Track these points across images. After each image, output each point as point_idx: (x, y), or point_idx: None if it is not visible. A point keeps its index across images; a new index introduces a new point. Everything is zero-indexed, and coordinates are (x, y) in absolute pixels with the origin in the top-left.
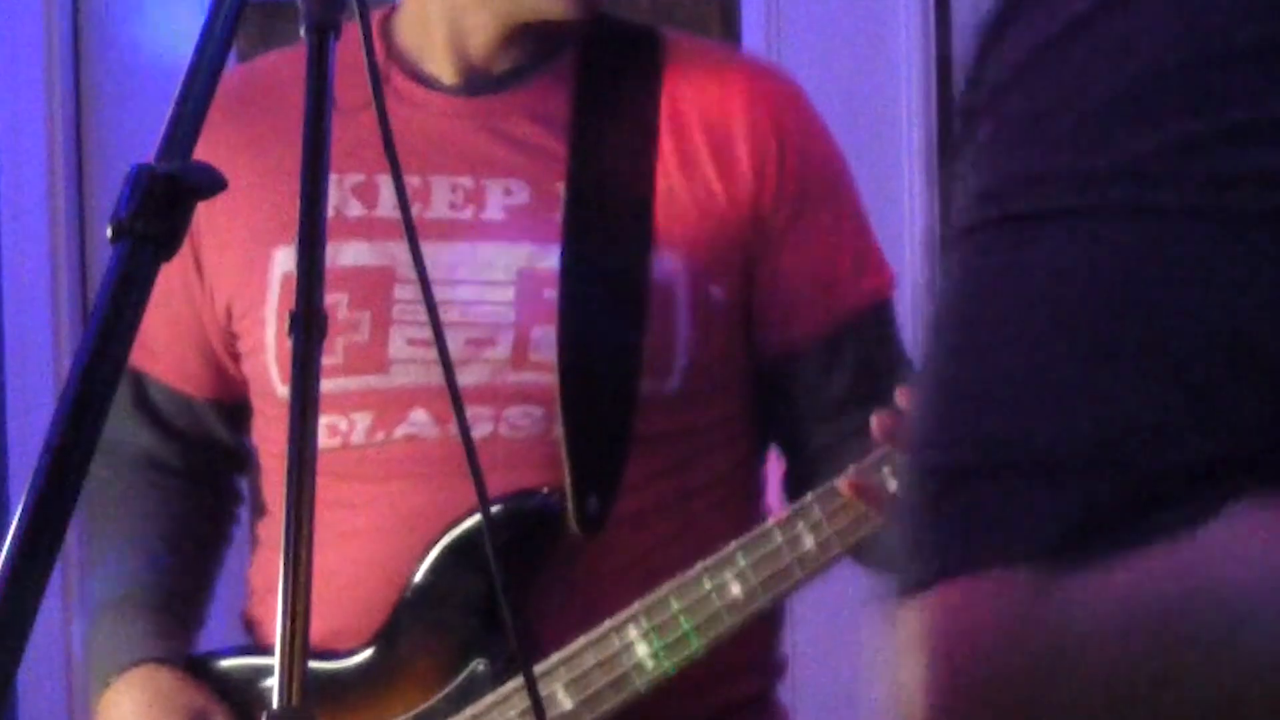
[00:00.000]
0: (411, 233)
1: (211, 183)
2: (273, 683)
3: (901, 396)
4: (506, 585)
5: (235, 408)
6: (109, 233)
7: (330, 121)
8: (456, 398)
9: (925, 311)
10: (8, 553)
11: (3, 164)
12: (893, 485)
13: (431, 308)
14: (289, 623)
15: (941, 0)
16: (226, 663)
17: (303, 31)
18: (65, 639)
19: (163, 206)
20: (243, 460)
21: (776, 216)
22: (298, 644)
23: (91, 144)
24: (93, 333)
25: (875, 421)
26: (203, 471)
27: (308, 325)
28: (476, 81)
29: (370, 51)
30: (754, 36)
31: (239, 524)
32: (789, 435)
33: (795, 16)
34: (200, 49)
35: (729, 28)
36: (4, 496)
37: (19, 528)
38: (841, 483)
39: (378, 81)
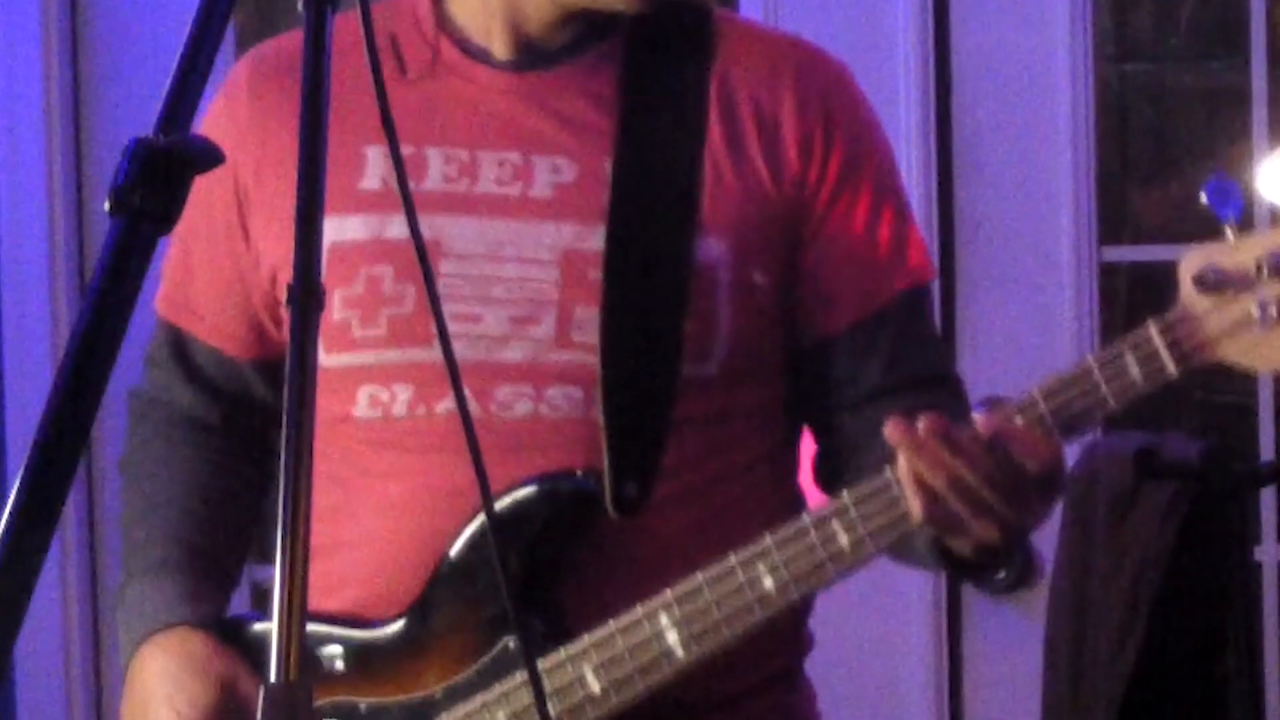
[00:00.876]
0: (409, 206)
1: (209, 156)
2: (314, 653)
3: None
4: (505, 562)
5: (276, 366)
6: (107, 206)
7: (328, 96)
8: (455, 375)
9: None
10: (5, 526)
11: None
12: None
13: (430, 284)
14: (285, 596)
15: (940, 4)
16: (257, 627)
17: (300, 5)
18: (64, 620)
19: (160, 180)
20: (279, 418)
21: (819, 198)
22: (294, 618)
23: (89, 118)
24: (90, 305)
25: (889, 426)
26: (243, 430)
27: (305, 301)
28: (528, 57)
29: (369, 34)
30: None
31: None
32: (822, 420)
33: (793, 14)
34: (198, 23)
35: None
36: (2, 469)
37: (17, 500)
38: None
39: (374, 54)
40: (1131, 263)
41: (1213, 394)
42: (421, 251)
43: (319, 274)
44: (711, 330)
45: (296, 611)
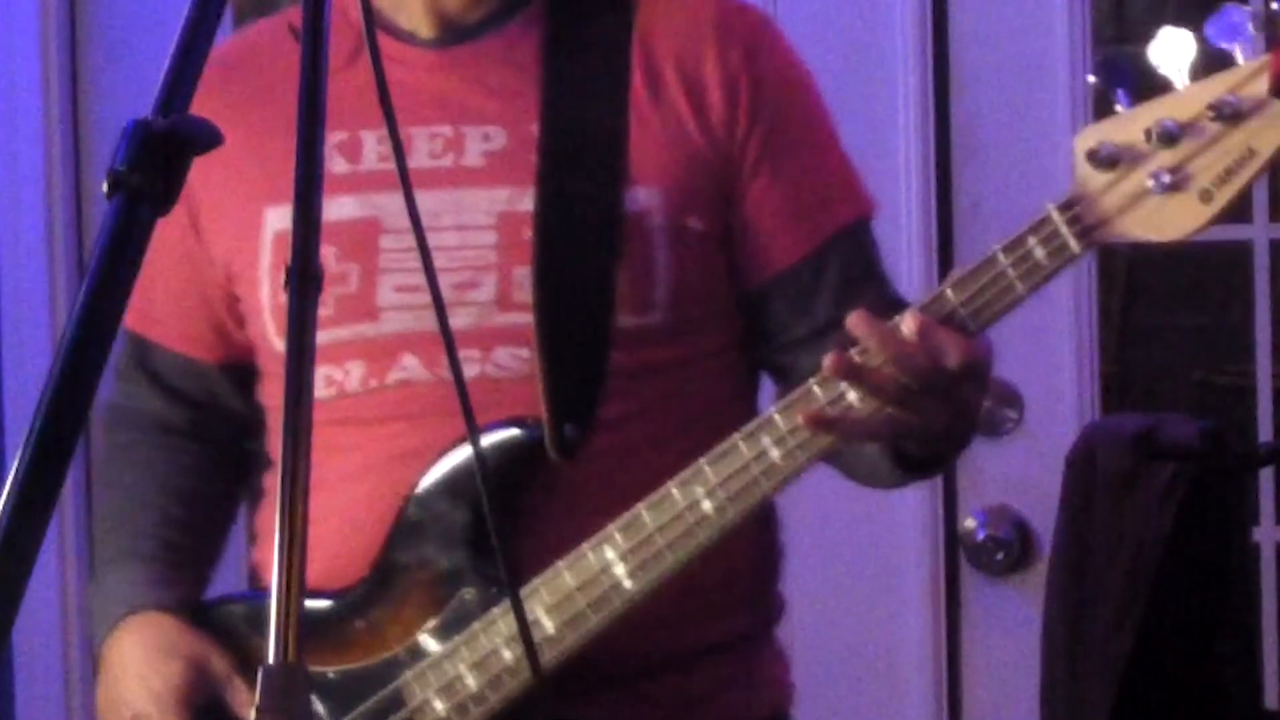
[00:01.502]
0: (406, 185)
1: (208, 137)
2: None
3: (857, 326)
4: (497, 512)
5: (242, 370)
6: (105, 187)
7: (326, 75)
8: (450, 344)
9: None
10: (4, 508)
11: None
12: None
13: (425, 255)
14: (284, 577)
15: (939, 3)
16: (228, 609)
17: None
18: (62, 600)
19: (159, 161)
20: (251, 425)
21: (750, 148)
22: (293, 598)
23: (88, 101)
24: (89, 287)
25: (829, 360)
26: (211, 435)
27: (304, 281)
28: (451, 33)
29: (368, 11)
30: None
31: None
32: (776, 361)
33: (790, 17)
34: (195, 4)
35: None
36: (0, 453)
37: (16, 481)
38: (799, 416)
39: (373, 35)
40: (1130, 245)
41: (1211, 375)
42: (419, 230)
43: (317, 255)
44: (651, 279)
45: (295, 594)
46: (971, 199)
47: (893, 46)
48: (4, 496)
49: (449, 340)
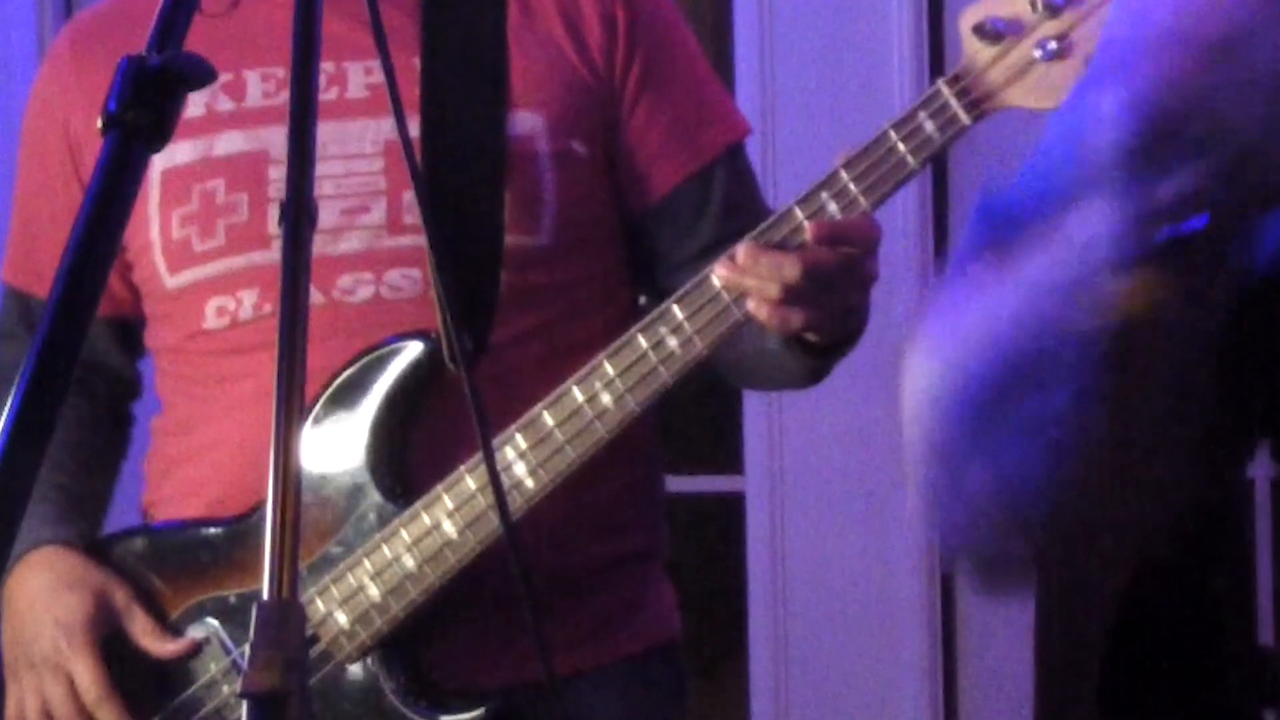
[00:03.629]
0: (400, 119)
1: (202, 73)
2: (174, 556)
3: (744, 254)
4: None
5: (126, 326)
6: (99, 124)
7: (321, 13)
8: (445, 312)
9: (921, 305)
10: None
11: None
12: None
13: (419, 188)
14: (278, 515)
15: (935, 1)
16: (124, 544)
17: None
18: None
19: (152, 98)
20: (133, 385)
21: (630, 78)
22: (286, 536)
23: None
24: (84, 223)
25: (719, 269)
26: (96, 393)
27: (298, 218)
28: None
29: None
30: (748, 38)
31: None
32: (663, 285)
33: (789, 17)
34: None
35: (720, 29)
36: None
37: (11, 417)
38: (711, 275)
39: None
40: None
41: None
42: (411, 160)
43: (312, 192)
44: (536, 200)
45: (289, 532)
46: (967, 191)
47: (889, 45)
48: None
49: (446, 317)
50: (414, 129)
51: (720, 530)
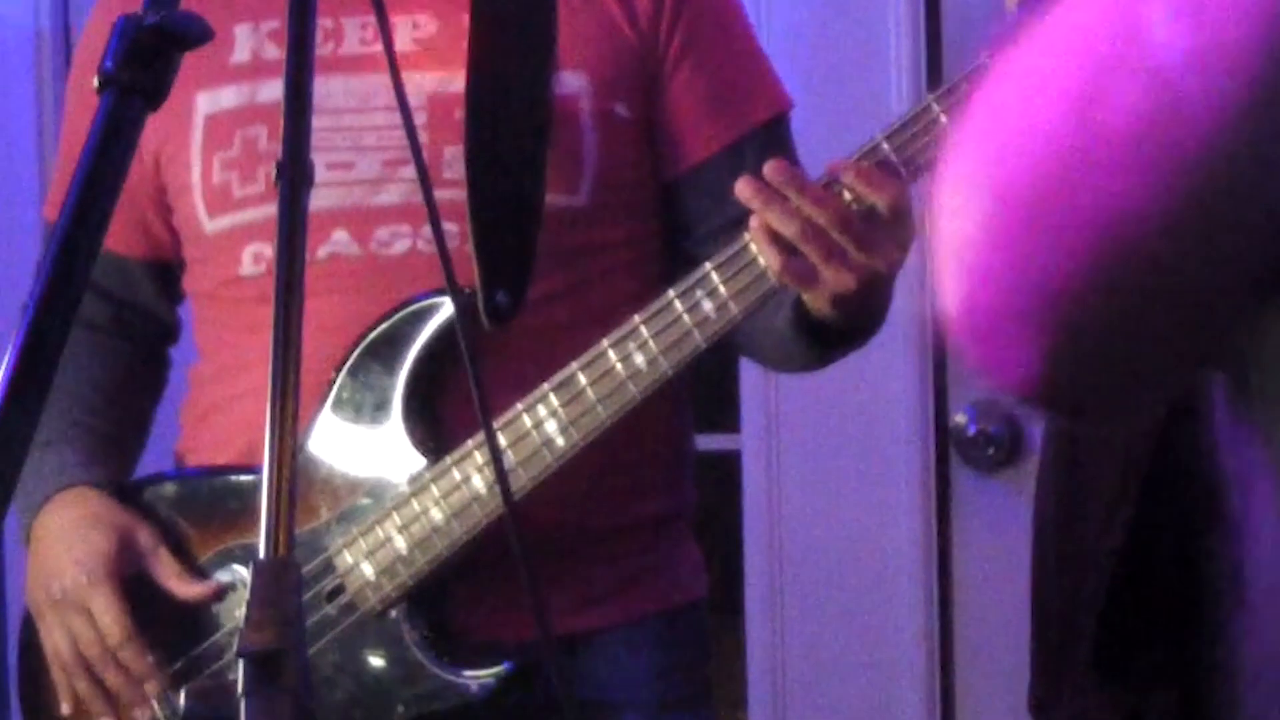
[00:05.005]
0: (394, 68)
1: (199, 31)
2: (203, 502)
3: (771, 169)
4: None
5: (165, 269)
6: (95, 83)
7: None
8: (449, 271)
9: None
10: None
11: None
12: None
13: (411, 135)
14: (275, 471)
15: (931, 6)
16: (153, 488)
17: None
18: None
19: (149, 56)
20: (170, 329)
21: (674, 43)
22: (283, 493)
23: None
24: (80, 180)
25: (739, 185)
26: (133, 333)
27: (295, 176)
28: None
29: None
30: None
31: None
32: (693, 254)
33: (786, 16)
34: None
35: None
36: None
37: (10, 368)
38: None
39: None
40: None
41: None
42: (404, 105)
43: (309, 149)
44: (577, 160)
45: (285, 488)
46: None
47: (886, 44)
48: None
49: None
50: (459, 85)
51: (716, 489)
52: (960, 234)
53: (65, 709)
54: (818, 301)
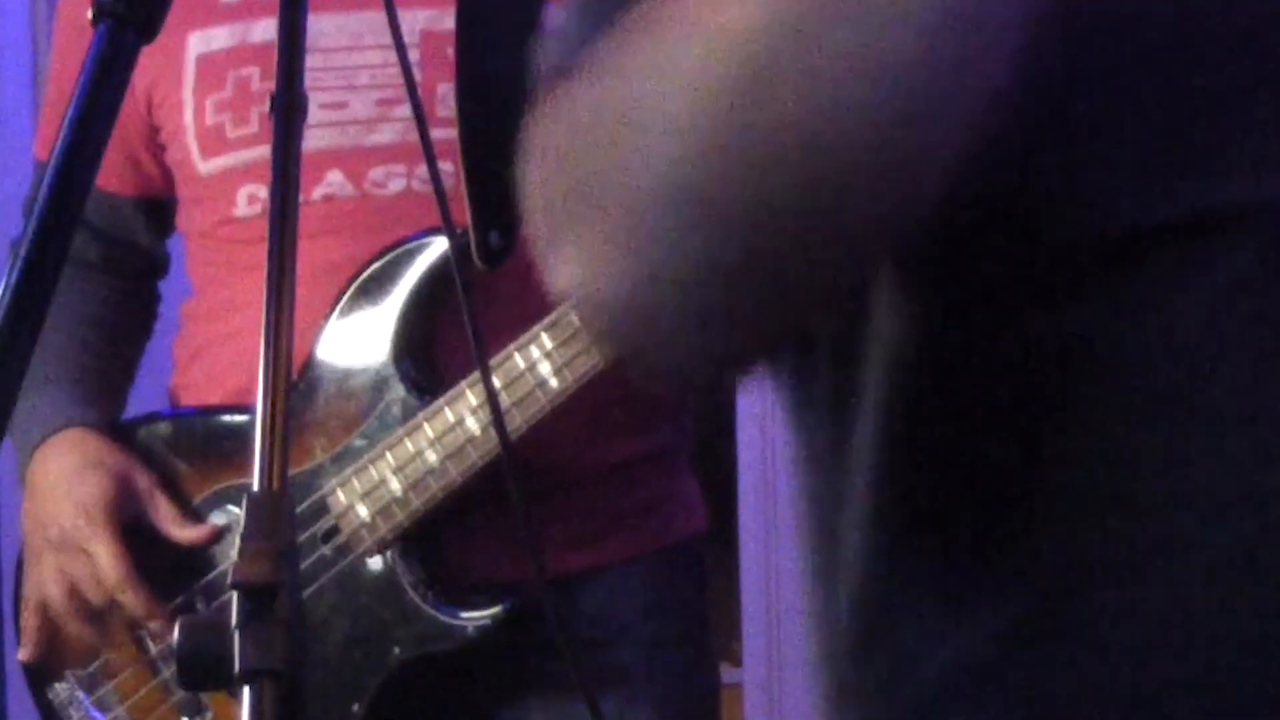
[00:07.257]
0: (391, 10)
1: None
2: (198, 442)
3: None
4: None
5: (157, 206)
6: (88, 15)
7: None
8: (429, 153)
9: None
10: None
11: None
12: None
13: (411, 90)
14: (269, 405)
15: None
16: (148, 428)
17: None
18: None
19: None
20: (160, 264)
21: None
22: (278, 427)
23: None
24: (74, 115)
25: None
26: (124, 270)
27: (289, 108)
28: None
29: None
30: None
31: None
32: None
33: None
34: None
35: None
36: None
37: (6, 297)
38: None
39: None
40: None
41: None
42: (399, 43)
43: (302, 82)
44: None
45: (279, 422)
46: None
47: None
48: None
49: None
50: (451, 20)
51: (709, 420)
52: None
53: (27, 653)
54: None
